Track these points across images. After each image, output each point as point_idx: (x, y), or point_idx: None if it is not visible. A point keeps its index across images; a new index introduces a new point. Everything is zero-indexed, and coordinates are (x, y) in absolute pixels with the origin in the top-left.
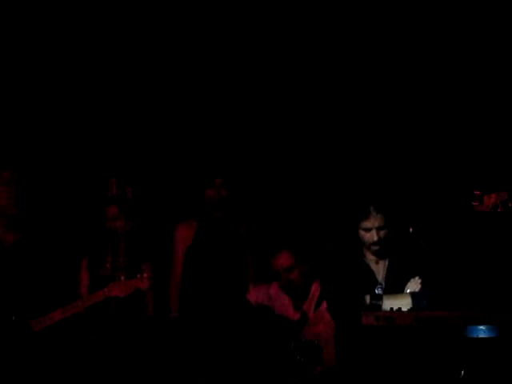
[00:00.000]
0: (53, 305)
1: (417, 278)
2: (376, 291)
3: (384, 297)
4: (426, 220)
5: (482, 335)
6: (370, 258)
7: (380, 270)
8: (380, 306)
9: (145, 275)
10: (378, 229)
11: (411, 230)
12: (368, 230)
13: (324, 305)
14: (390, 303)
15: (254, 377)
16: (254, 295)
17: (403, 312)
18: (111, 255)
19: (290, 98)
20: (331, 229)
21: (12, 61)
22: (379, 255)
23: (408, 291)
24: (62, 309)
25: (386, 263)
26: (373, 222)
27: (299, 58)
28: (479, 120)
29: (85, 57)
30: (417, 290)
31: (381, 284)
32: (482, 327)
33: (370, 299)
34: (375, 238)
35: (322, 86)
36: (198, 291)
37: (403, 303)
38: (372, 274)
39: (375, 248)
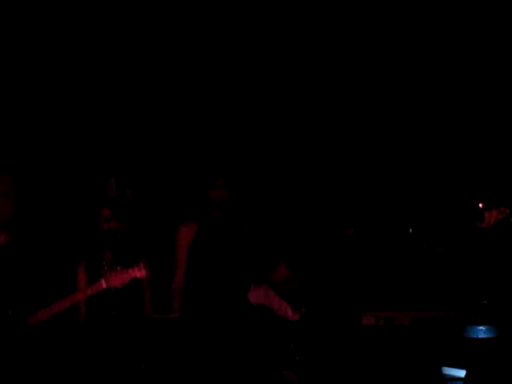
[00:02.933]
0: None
1: None
2: None
3: None
4: (426, 221)
5: (481, 335)
6: None
7: None
8: None
9: (141, 264)
10: None
11: (411, 230)
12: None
13: None
14: None
15: (253, 376)
16: (255, 296)
17: (403, 312)
18: (108, 256)
19: (291, 100)
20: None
21: (12, 61)
22: None
23: None
24: (59, 301)
25: None
26: None
27: (299, 59)
28: (482, 130)
29: (85, 57)
30: None
31: None
32: (481, 327)
33: None
34: None
35: (324, 91)
36: (199, 291)
37: None
38: None
39: None
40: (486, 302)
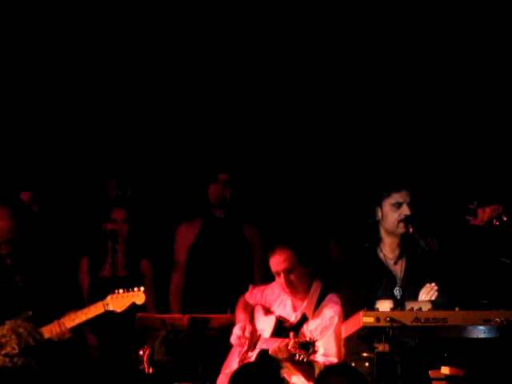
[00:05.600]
0: (56, 308)
1: (433, 284)
2: (395, 293)
3: (406, 303)
4: (426, 221)
5: (481, 335)
6: (389, 256)
7: (398, 270)
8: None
9: (141, 289)
10: (408, 204)
11: (411, 230)
12: (399, 204)
13: (325, 305)
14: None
15: (253, 376)
16: (252, 296)
17: (403, 312)
18: (111, 255)
19: (292, 96)
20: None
21: (12, 62)
22: (404, 241)
23: (423, 297)
24: (58, 321)
25: (404, 264)
26: (404, 195)
27: (300, 54)
28: (476, 129)
29: (85, 58)
30: (433, 297)
31: (399, 285)
32: (481, 327)
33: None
34: (408, 212)
35: (325, 88)
36: (199, 291)
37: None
38: (391, 275)
39: (402, 228)
40: (486, 301)
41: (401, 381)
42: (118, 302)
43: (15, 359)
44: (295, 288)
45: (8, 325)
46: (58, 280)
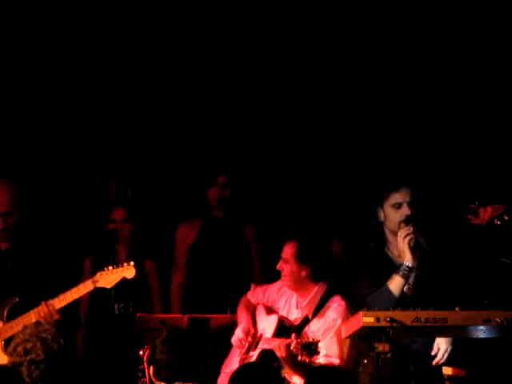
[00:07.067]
0: (46, 296)
1: (409, 226)
2: (404, 289)
3: None
4: (427, 219)
5: (481, 335)
6: (395, 252)
7: None
8: None
9: (131, 263)
10: (409, 204)
11: (412, 229)
12: (399, 204)
13: (328, 307)
14: None
15: (254, 376)
16: (255, 295)
17: (403, 312)
18: (114, 255)
19: (292, 95)
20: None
21: (12, 63)
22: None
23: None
24: (45, 302)
25: None
26: (404, 194)
27: (300, 54)
28: (479, 131)
29: (85, 58)
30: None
31: (408, 282)
32: (481, 327)
33: None
34: (409, 212)
35: (323, 86)
36: (199, 291)
37: None
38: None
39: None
40: (486, 301)
41: (413, 380)
42: (108, 278)
43: (42, 365)
44: (286, 279)
45: (29, 329)
46: (51, 271)
